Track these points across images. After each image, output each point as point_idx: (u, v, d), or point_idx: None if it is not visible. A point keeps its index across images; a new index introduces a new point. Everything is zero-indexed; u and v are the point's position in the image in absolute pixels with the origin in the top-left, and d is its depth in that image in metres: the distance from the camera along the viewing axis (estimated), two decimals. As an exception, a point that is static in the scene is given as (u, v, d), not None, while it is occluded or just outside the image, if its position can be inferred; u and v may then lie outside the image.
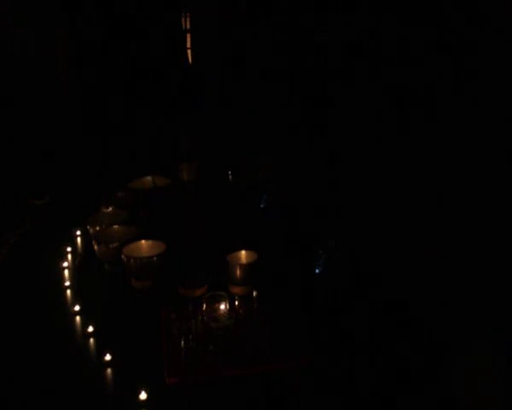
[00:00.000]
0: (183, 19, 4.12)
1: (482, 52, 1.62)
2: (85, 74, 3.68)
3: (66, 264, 2.34)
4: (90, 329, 1.87)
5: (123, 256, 2.13)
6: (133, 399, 1.55)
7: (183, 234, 2.44)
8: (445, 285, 1.75)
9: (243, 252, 2.12)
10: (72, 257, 2.41)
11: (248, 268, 2.04)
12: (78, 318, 1.97)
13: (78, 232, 2.59)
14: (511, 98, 1.54)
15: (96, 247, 2.28)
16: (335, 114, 2.52)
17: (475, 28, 1.64)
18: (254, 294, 2.04)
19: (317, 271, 2.10)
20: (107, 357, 1.72)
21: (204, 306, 1.75)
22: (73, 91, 3.66)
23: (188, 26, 4.17)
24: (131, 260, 2.11)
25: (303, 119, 2.81)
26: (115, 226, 2.39)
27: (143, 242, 2.24)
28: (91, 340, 1.85)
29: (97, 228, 2.40)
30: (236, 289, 2.03)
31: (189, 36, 4.15)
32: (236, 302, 1.94)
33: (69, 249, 2.45)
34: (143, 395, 1.55)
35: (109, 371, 1.70)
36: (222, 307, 1.77)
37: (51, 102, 3.50)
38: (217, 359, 1.70)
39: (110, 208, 2.58)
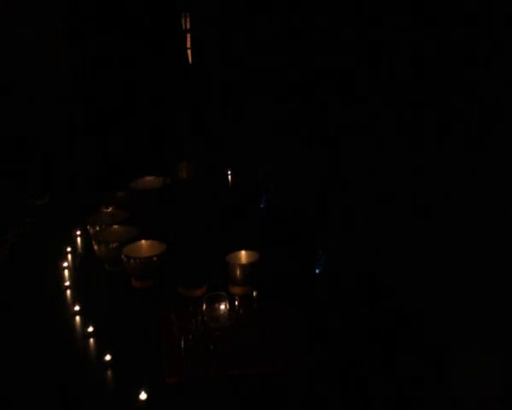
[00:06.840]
0: (183, 19, 4.12)
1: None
2: (85, 74, 3.68)
3: (66, 264, 2.34)
4: (90, 329, 1.87)
5: (123, 256, 2.13)
6: (133, 399, 1.55)
7: (182, 234, 2.44)
8: (446, 285, 1.75)
9: (243, 252, 2.12)
10: (72, 257, 2.41)
11: (248, 268, 2.04)
12: (78, 318, 1.97)
13: (78, 232, 2.59)
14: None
15: (95, 247, 2.28)
16: (335, 115, 2.52)
17: None
18: (254, 294, 2.04)
19: (317, 271, 2.10)
20: (108, 357, 1.72)
21: (204, 306, 1.75)
22: (73, 91, 3.66)
23: (188, 26, 4.16)
24: (131, 260, 2.11)
25: (303, 119, 2.81)
26: (115, 226, 2.39)
27: (143, 242, 2.24)
28: (91, 340, 1.85)
29: (97, 228, 2.40)
30: (236, 289, 2.03)
31: (188, 36, 4.15)
32: (236, 302, 1.94)
33: (69, 249, 2.45)
34: (143, 395, 1.55)
35: (109, 371, 1.70)
36: (222, 307, 1.76)
37: (51, 101, 3.50)
38: (217, 359, 1.70)
39: (110, 208, 2.57)
